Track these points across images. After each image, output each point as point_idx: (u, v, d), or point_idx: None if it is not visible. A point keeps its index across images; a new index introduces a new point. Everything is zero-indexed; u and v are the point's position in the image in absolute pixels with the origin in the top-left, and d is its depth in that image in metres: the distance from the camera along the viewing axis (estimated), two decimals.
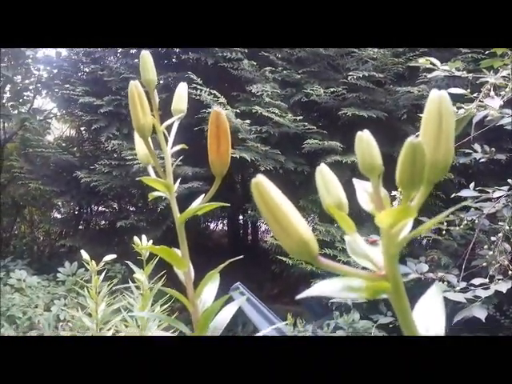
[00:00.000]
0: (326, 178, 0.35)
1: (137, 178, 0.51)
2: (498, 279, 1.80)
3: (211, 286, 0.57)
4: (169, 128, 0.58)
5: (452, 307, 1.93)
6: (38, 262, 4.82)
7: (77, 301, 3.57)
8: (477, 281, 1.83)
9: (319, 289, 0.31)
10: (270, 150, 3.09)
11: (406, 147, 0.27)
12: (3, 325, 3.12)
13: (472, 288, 1.84)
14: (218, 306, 0.52)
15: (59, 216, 5.91)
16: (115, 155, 4.53)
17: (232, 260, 0.54)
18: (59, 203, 5.50)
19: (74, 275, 4.12)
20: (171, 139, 0.57)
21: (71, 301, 3.71)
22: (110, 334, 1.50)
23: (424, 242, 3.43)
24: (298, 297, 0.32)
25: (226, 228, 6.42)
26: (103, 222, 5.70)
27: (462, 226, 2.43)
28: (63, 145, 5.08)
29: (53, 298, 3.78)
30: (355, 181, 0.34)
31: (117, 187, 4.39)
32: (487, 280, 1.80)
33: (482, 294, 1.73)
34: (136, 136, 0.58)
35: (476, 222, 2.41)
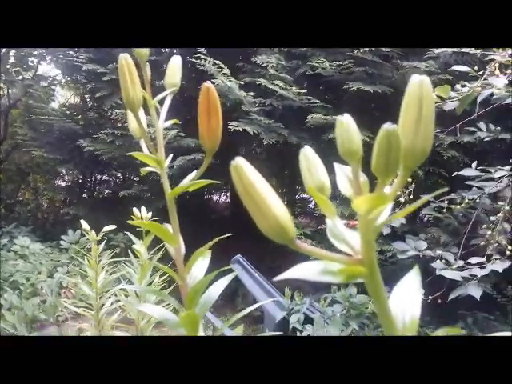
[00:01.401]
0: (309, 161, 0.35)
1: (127, 153, 0.51)
2: (496, 259, 1.80)
3: (202, 262, 0.58)
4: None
5: (448, 285, 1.95)
6: (41, 229, 4.88)
7: (79, 269, 3.63)
8: (474, 260, 1.84)
9: (297, 272, 0.31)
10: (273, 123, 3.06)
11: (381, 134, 0.26)
12: (6, 290, 3.18)
13: (469, 267, 1.85)
14: (207, 282, 0.53)
15: (63, 184, 5.94)
16: (119, 124, 4.52)
17: (220, 238, 0.55)
18: (63, 171, 5.51)
19: (77, 243, 4.17)
20: (163, 113, 0.57)
21: (73, 268, 3.77)
22: (109, 302, 1.53)
23: (425, 219, 3.42)
24: (277, 278, 0.32)
25: (228, 200, 6.45)
26: (106, 191, 5.73)
27: (463, 205, 2.43)
28: (67, 112, 5.04)
29: (56, 265, 3.84)
30: (336, 165, 0.34)
31: (120, 157, 4.39)
32: (484, 259, 1.81)
33: (478, 272, 1.74)
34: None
35: (477, 201, 2.41)
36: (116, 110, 3.95)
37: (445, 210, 2.50)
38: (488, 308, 2.65)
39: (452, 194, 2.48)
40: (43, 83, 5.28)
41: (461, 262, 1.93)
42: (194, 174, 0.57)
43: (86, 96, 5.38)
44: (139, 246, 1.40)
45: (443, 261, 2.13)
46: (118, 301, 1.53)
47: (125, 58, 0.49)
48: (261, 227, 0.30)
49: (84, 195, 5.62)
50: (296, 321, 2.08)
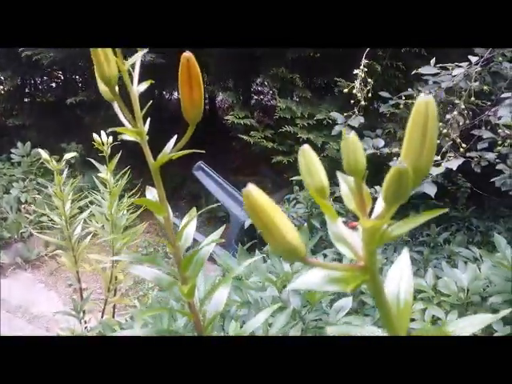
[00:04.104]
0: (308, 161, 0.35)
1: (109, 130, 0.49)
2: (450, 156, 1.90)
3: (191, 225, 0.59)
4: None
5: None
6: None
7: (35, 183, 3.54)
8: None
9: (304, 282, 0.33)
10: None
11: (393, 173, 0.27)
12: None
13: None
14: (198, 251, 0.55)
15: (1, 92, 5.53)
16: None
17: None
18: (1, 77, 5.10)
19: (29, 156, 4.02)
20: (136, 77, 0.54)
21: (30, 182, 3.68)
22: (79, 229, 1.54)
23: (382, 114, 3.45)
24: (290, 288, 0.34)
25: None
26: (49, 95, 5.39)
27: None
28: None
29: (10, 181, 3.72)
30: (339, 174, 0.34)
31: (61, 61, 4.08)
32: (439, 157, 1.90)
33: (434, 171, 1.83)
34: None
35: (433, 94, 2.46)
36: None
37: (402, 106, 2.55)
38: (438, 195, 2.84)
39: (409, 90, 2.51)
40: None
41: None
42: (173, 140, 0.56)
43: None
44: (104, 173, 1.38)
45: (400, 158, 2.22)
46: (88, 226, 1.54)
47: None
48: (273, 249, 0.31)
49: (26, 103, 5.28)
50: None
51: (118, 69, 0.49)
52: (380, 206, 0.31)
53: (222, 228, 0.62)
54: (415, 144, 0.29)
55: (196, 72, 0.47)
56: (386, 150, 2.38)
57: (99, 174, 1.39)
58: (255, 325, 0.63)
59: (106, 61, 0.46)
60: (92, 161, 1.44)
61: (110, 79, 0.47)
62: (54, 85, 5.27)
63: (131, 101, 0.54)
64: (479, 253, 1.94)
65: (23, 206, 3.49)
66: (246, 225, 2.31)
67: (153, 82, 0.57)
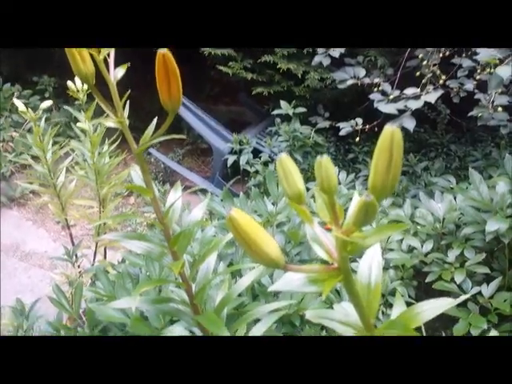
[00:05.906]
0: (285, 169, 0.38)
1: (93, 121, 0.50)
2: (429, 88, 1.90)
3: (175, 195, 0.62)
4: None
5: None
6: None
7: (11, 120, 3.45)
8: (409, 91, 1.93)
9: (285, 283, 0.37)
10: None
11: (361, 205, 0.30)
12: None
13: (404, 96, 1.95)
14: (185, 229, 0.58)
15: None
16: None
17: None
18: None
19: (1, 91, 3.88)
20: (111, 66, 0.53)
21: (6, 120, 3.59)
22: (63, 177, 1.55)
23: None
24: (271, 289, 0.38)
25: None
26: None
27: None
28: None
29: None
30: (316, 190, 0.37)
31: None
32: (419, 90, 1.91)
33: (413, 105, 1.84)
34: None
35: None
36: None
37: None
38: (417, 122, 2.87)
39: None
40: None
41: (397, 92, 2.02)
42: (153, 125, 0.58)
43: None
44: (83, 123, 1.36)
45: (380, 89, 2.22)
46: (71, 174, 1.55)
47: None
48: (256, 261, 0.34)
49: None
50: (246, 162, 2.20)
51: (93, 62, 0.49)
52: (350, 223, 0.34)
53: (205, 203, 0.65)
54: (382, 169, 0.32)
55: (172, 67, 0.48)
56: (367, 81, 2.36)
57: (78, 125, 1.37)
58: (241, 288, 0.68)
59: (82, 59, 0.46)
60: (70, 109, 1.42)
61: (87, 77, 0.47)
62: None
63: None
64: (456, 182, 2.01)
65: (1, 144, 3.43)
66: (229, 162, 2.32)
67: (127, 65, 0.57)
